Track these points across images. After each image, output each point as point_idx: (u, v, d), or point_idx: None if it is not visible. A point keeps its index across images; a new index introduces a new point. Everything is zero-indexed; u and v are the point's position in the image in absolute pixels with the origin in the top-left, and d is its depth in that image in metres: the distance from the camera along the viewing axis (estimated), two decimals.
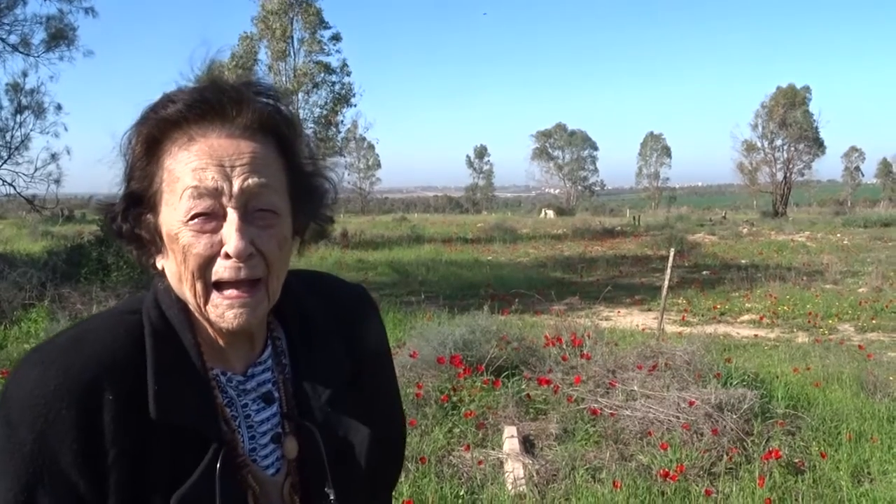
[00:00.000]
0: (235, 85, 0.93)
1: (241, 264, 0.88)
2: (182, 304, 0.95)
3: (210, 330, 0.96)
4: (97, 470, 0.85)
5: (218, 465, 0.90)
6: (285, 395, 1.03)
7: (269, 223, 0.91)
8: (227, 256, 0.88)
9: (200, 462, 0.90)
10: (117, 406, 0.86)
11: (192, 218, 0.88)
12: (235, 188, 0.88)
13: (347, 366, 1.07)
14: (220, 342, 0.97)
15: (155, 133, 0.90)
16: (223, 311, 0.90)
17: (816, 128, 48.85)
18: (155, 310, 0.95)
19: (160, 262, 0.95)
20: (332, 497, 1.00)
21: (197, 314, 0.94)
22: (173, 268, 0.92)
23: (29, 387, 0.85)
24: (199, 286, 0.90)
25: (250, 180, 0.89)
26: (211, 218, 0.89)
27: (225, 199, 0.88)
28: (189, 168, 0.88)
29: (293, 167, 0.97)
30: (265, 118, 0.93)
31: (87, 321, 0.96)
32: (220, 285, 0.90)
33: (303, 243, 1.03)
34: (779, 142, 49.63)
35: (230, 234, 0.88)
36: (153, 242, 0.94)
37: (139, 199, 0.92)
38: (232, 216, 0.88)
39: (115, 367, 0.88)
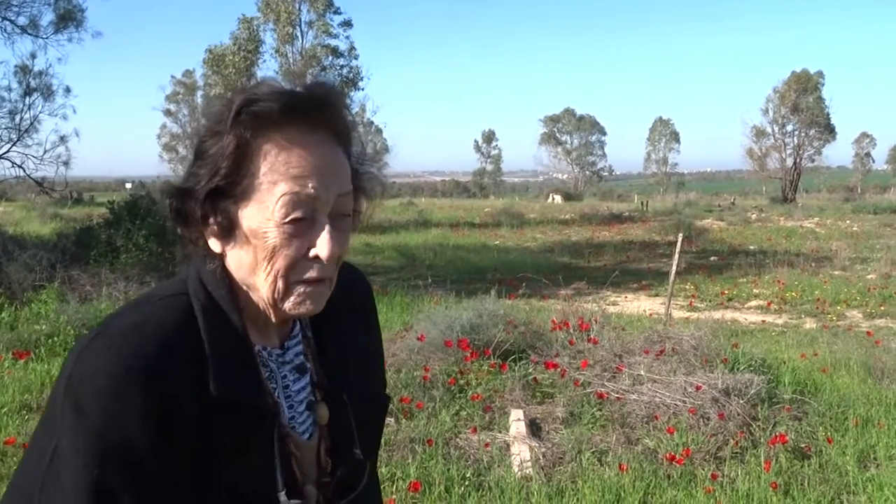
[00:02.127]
0: (325, 90, 0.98)
1: (326, 265, 0.95)
2: (228, 286, 0.99)
3: (266, 311, 1.00)
4: (169, 448, 0.88)
5: (276, 438, 0.97)
6: (314, 366, 1.10)
7: (344, 227, 0.99)
8: (317, 259, 0.95)
9: (254, 434, 0.96)
10: (185, 386, 0.91)
11: (288, 222, 0.93)
12: (331, 199, 0.95)
13: (361, 339, 1.17)
14: (272, 320, 1.02)
15: (248, 131, 0.93)
16: (303, 298, 0.97)
17: (828, 113, 48.47)
18: (202, 292, 0.99)
19: (220, 247, 0.98)
20: (361, 457, 1.08)
21: (266, 304, 0.98)
22: (248, 259, 0.96)
23: (98, 370, 0.88)
24: (280, 283, 0.95)
25: (341, 192, 0.97)
26: (303, 222, 0.94)
27: (319, 206, 0.94)
28: (290, 174, 0.93)
29: (356, 171, 1.03)
30: (342, 125, 0.99)
31: (139, 305, 0.98)
32: (299, 280, 0.97)
33: None
34: (790, 127, 49.29)
35: (324, 241, 0.94)
36: (226, 230, 0.96)
37: (222, 191, 0.95)
38: (324, 223, 0.95)
39: (181, 349, 0.92)
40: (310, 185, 0.93)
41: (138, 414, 0.87)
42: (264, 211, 0.93)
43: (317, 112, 0.95)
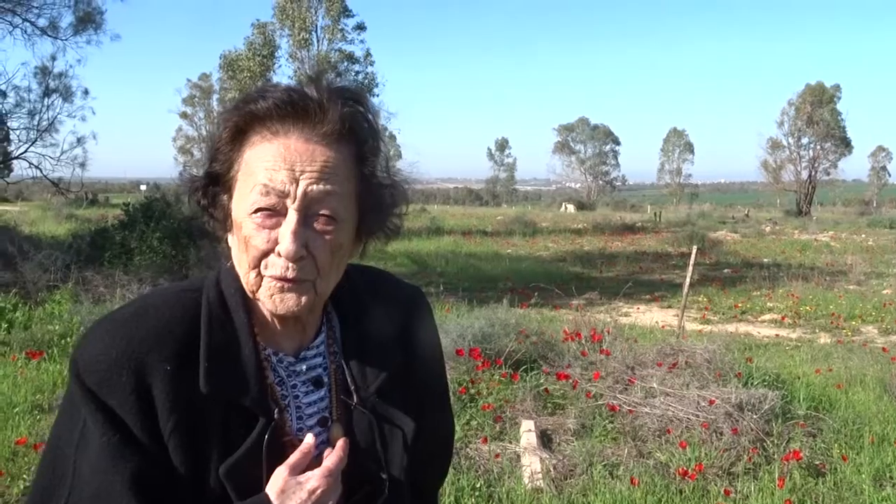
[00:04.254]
0: (326, 91, 0.97)
1: (290, 264, 0.94)
2: (240, 285, 1.01)
3: (264, 311, 1.02)
4: (156, 433, 0.93)
5: (265, 440, 0.96)
6: (335, 382, 1.08)
7: (327, 229, 0.96)
8: (280, 255, 0.94)
9: (247, 435, 0.96)
10: (173, 378, 0.94)
11: (256, 211, 0.94)
12: (300, 191, 0.94)
13: (399, 360, 1.11)
14: (274, 323, 1.03)
15: (241, 124, 0.97)
16: (273, 292, 0.96)
17: (844, 126, 48.24)
18: (214, 289, 1.02)
19: (229, 239, 1.01)
20: (386, 481, 1.06)
21: (251, 296, 1.00)
22: (236, 251, 0.99)
23: (94, 352, 0.94)
24: (252, 275, 0.96)
25: (315, 186, 0.94)
26: (273, 214, 0.94)
27: (289, 201, 0.94)
28: (263, 165, 0.94)
29: (365, 176, 1.01)
30: (348, 126, 0.98)
31: (150, 296, 1.04)
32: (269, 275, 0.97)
33: (365, 248, 1.08)
34: (805, 140, 49.09)
35: (285, 235, 0.93)
36: (224, 221, 1.00)
37: (217, 179, 0.99)
38: (291, 217, 0.93)
39: (172, 342, 0.95)
40: (280, 177, 0.93)
41: (126, 397, 0.92)
42: (243, 201, 0.96)
43: (311, 111, 0.96)
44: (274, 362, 1.03)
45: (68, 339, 6.60)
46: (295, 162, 0.94)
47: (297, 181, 0.93)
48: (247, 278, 0.97)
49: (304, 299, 0.96)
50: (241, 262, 0.97)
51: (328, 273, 0.98)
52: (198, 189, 1.01)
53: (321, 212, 0.95)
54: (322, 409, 1.06)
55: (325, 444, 1.04)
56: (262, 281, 0.96)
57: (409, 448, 1.09)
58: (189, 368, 0.94)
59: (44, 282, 8.93)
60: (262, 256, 0.95)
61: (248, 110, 0.96)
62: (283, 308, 0.96)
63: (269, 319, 1.02)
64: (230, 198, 0.98)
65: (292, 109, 0.95)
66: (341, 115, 0.97)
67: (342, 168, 0.97)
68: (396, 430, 1.09)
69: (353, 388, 1.07)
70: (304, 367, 1.05)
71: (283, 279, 0.94)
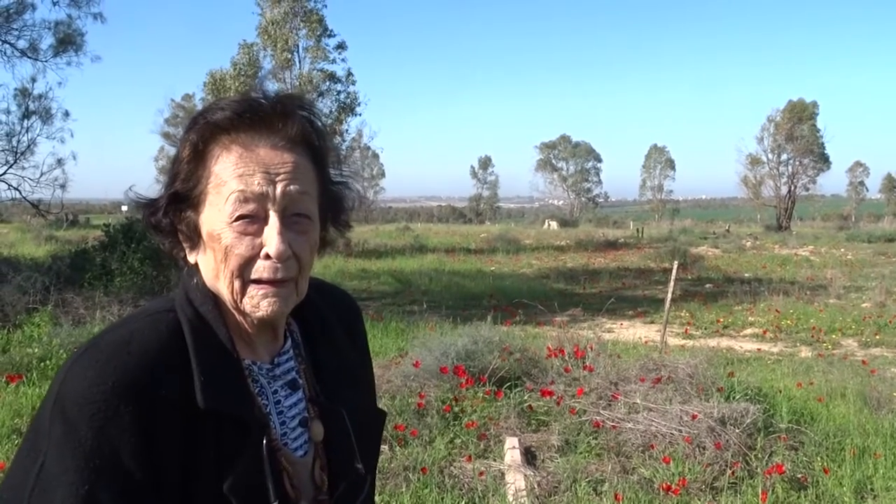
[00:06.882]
0: (282, 98, 1.01)
1: (279, 265, 0.96)
2: (214, 299, 1.01)
3: (242, 322, 1.02)
4: (153, 461, 0.89)
5: (264, 449, 0.97)
6: (307, 382, 1.11)
7: (304, 229, 0.99)
8: (268, 257, 0.96)
9: (242, 448, 0.96)
10: (170, 400, 0.92)
11: (237, 219, 0.95)
12: (279, 192, 0.96)
13: (354, 357, 1.19)
14: (250, 333, 1.04)
15: (203, 138, 0.97)
16: (258, 300, 0.98)
17: (822, 143, 48.91)
18: (189, 307, 1.01)
19: (193, 257, 1.02)
20: (362, 471, 1.09)
21: (231, 307, 1.01)
22: (211, 264, 0.99)
23: (86, 384, 0.89)
24: (236, 284, 0.97)
25: (291, 187, 0.97)
26: (254, 221, 0.96)
27: (269, 203, 0.96)
28: (236, 174, 0.96)
29: (323, 177, 1.05)
30: (304, 131, 1.01)
31: (127, 322, 1.00)
32: (256, 280, 0.98)
33: (322, 246, 1.10)
34: (784, 156, 49.69)
35: (272, 237, 0.95)
36: (190, 238, 1.00)
37: (182, 198, 0.99)
38: (273, 220, 0.96)
39: (165, 364, 0.94)
40: (255, 181, 0.95)
41: (125, 428, 0.88)
42: (217, 213, 0.96)
43: (268, 117, 0.98)
44: (255, 371, 1.04)
45: (48, 362, 6.52)
46: (269, 165, 0.96)
47: (274, 183, 0.96)
48: (230, 288, 0.97)
49: (289, 300, 1.00)
50: (220, 274, 0.98)
51: (307, 271, 1.01)
52: (158, 210, 1.00)
53: (298, 212, 0.98)
54: (301, 411, 1.08)
55: (307, 442, 1.07)
56: (246, 289, 0.97)
57: (379, 437, 1.16)
58: (183, 388, 0.93)
59: (22, 304, 8.81)
60: (245, 264, 0.96)
61: (207, 122, 0.97)
62: (271, 312, 0.98)
63: (246, 330, 1.03)
64: (198, 213, 0.98)
65: (257, 118, 0.98)
66: (297, 120, 1.01)
67: (307, 170, 1.01)
68: (369, 422, 1.16)
69: (322, 386, 1.11)
70: (281, 371, 1.07)
71: (271, 282, 0.96)
